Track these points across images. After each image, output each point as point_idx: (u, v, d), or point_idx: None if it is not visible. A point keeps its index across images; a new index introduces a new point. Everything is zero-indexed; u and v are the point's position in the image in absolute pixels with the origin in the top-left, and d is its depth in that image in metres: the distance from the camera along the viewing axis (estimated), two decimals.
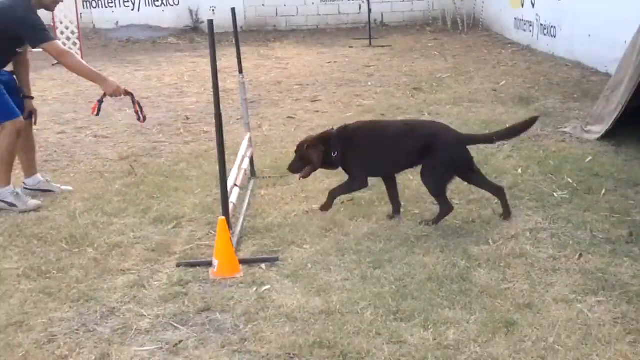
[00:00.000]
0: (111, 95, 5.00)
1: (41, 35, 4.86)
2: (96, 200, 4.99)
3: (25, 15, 4.83)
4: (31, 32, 4.84)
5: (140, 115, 4.96)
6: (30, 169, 5.33)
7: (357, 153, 4.47)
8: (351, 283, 3.60)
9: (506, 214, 4.40)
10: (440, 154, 4.32)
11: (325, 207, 4.54)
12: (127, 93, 4.97)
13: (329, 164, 4.59)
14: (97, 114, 4.96)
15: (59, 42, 5.05)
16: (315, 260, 3.89)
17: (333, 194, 4.55)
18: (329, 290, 3.53)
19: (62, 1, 5.41)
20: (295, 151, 4.65)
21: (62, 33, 12.40)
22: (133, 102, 4.95)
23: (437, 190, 4.37)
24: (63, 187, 5.30)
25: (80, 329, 3.20)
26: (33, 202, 4.96)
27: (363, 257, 3.91)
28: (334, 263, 3.85)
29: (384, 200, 4.78)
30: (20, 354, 2.97)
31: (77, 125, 7.58)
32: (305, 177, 4.64)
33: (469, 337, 3.04)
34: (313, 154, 4.48)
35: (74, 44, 12.47)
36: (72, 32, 12.45)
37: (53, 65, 12.08)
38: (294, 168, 4.63)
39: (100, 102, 4.97)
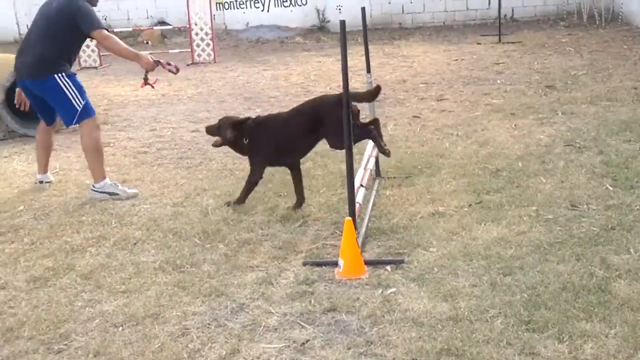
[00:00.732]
0: (149, 70, 5.52)
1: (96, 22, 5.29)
2: (227, 197, 5.14)
3: (82, 4, 5.26)
4: (88, 20, 5.23)
5: (173, 69, 5.56)
6: (45, 167, 5.80)
7: (257, 145, 4.88)
8: (480, 289, 3.50)
9: (382, 151, 4.59)
10: (329, 120, 4.48)
11: (239, 201, 4.93)
12: (156, 63, 5.48)
13: (240, 149, 5.01)
14: (146, 85, 5.77)
15: (105, 30, 5.39)
16: (442, 264, 3.81)
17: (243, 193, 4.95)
18: (456, 295, 3.44)
19: None
20: (219, 120, 5.18)
21: (196, 34, 12.95)
22: (162, 65, 5.50)
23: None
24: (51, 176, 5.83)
25: (211, 324, 3.31)
26: (132, 191, 5.39)
27: (492, 262, 3.79)
28: (462, 268, 3.75)
29: (514, 203, 4.61)
30: (156, 346, 3.11)
31: (210, 123, 7.84)
32: (214, 145, 5.15)
33: (608, 352, 2.87)
34: (224, 132, 4.97)
35: (207, 44, 12.99)
36: (206, 34, 12.96)
37: (188, 65, 12.67)
38: (209, 130, 5.24)
39: (145, 78, 5.67)
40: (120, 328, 3.30)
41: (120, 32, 15.96)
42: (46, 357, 3.08)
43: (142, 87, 5.79)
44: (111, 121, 8.24)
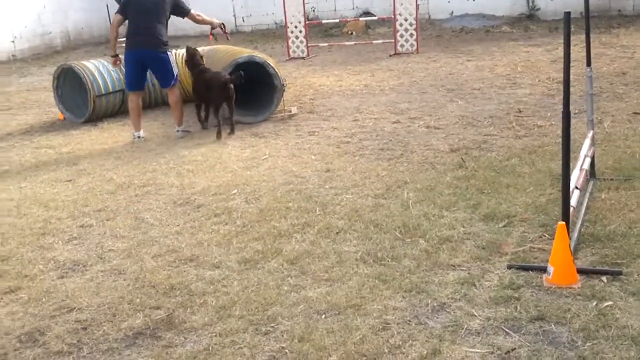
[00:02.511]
0: (214, 28, 8.16)
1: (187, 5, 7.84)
2: (428, 192, 5.08)
3: None
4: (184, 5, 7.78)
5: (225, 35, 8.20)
6: (139, 125, 7.82)
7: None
8: None
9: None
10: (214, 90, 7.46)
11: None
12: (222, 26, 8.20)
13: None
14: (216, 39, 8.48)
15: (193, 11, 7.93)
16: None
17: None
18: None
19: None
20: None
21: (400, 25, 12.97)
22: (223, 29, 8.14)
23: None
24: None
25: (412, 320, 3.27)
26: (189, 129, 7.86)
27: None
28: None
29: None
30: (358, 337, 3.14)
31: (411, 115, 7.83)
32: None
33: None
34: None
35: (411, 35, 12.96)
36: (410, 24, 12.94)
37: (390, 55, 12.74)
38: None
39: (213, 34, 8.36)
40: (323, 316, 3.37)
41: (327, 22, 16.51)
42: (254, 337, 3.24)
43: (210, 39, 8.47)
44: (316, 110, 8.51)
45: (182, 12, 7.71)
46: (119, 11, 7.48)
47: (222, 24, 8.15)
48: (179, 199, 5.41)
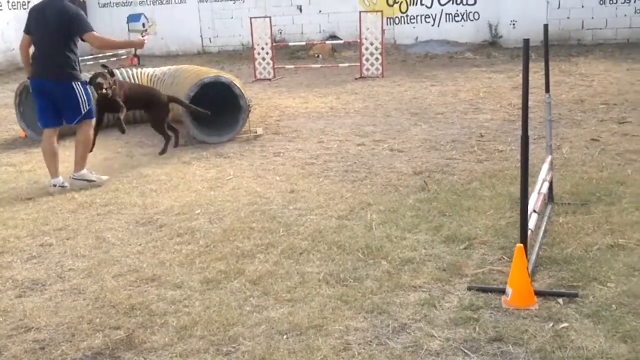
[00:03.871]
0: (140, 48, 6.99)
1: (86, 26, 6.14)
2: (391, 214, 5.13)
3: (77, 9, 6.14)
4: (84, 23, 6.14)
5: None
6: (57, 171, 6.40)
7: None
8: None
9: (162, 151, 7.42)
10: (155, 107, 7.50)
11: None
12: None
13: None
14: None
15: (95, 32, 6.19)
16: (621, 302, 3.52)
17: None
18: (636, 337, 3.17)
19: None
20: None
21: (366, 49, 13.14)
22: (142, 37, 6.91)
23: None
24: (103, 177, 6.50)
25: (373, 341, 3.29)
26: (105, 177, 6.43)
27: None
28: None
29: None
30: (319, 358, 3.14)
31: (376, 138, 7.92)
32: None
33: None
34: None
35: (377, 59, 13.13)
36: (376, 48, 13.11)
37: (356, 79, 12.89)
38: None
39: (137, 56, 7.48)
40: (285, 336, 3.37)
41: (294, 45, 16.64)
42: (215, 357, 3.22)
43: (134, 62, 7.34)
44: (282, 131, 8.55)
45: (80, 32, 6.10)
46: (25, 29, 6.25)
47: (142, 38, 6.82)
48: (142, 218, 5.37)
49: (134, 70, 9.70)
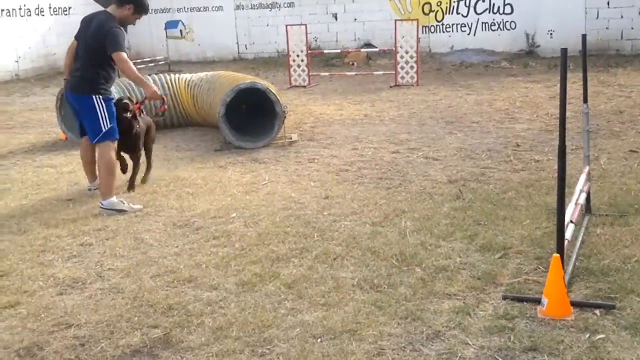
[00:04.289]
0: (150, 99, 6.26)
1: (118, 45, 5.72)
2: (425, 221, 5.13)
3: (117, 27, 5.78)
4: (113, 41, 5.69)
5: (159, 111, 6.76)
6: (94, 176, 6.32)
7: None
8: None
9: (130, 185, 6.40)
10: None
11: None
12: (161, 97, 6.29)
13: None
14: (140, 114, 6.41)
15: (124, 53, 5.75)
16: None
17: None
18: None
19: (139, 18, 6.13)
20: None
21: (401, 57, 13.14)
22: (163, 102, 6.55)
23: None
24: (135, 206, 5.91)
25: (407, 347, 3.30)
26: (137, 207, 5.82)
27: None
28: None
29: None
30: None
31: (410, 145, 7.92)
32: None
33: None
34: None
35: (412, 67, 13.12)
36: (411, 57, 13.10)
37: (391, 87, 12.89)
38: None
39: (142, 103, 6.47)
40: (319, 340, 3.40)
41: (329, 52, 16.73)
42: (250, 358, 3.26)
43: (137, 109, 6.29)
44: (316, 138, 8.60)
45: (107, 48, 5.72)
46: (76, 35, 6.08)
47: (163, 97, 6.39)
48: (179, 220, 5.46)
49: (171, 76, 9.85)
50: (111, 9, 5.94)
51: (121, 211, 5.72)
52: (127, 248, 4.88)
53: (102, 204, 5.78)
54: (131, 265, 4.53)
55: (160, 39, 19.48)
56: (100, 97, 5.78)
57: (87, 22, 5.98)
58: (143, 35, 20.32)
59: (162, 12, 20.50)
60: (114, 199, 5.79)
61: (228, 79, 8.83)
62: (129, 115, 6.08)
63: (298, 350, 3.31)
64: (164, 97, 6.33)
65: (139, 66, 13.89)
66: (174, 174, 7.02)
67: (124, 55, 5.73)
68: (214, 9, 19.94)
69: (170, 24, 19.62)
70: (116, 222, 5.48)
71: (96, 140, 5.85)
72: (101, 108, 5.77)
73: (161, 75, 9.86)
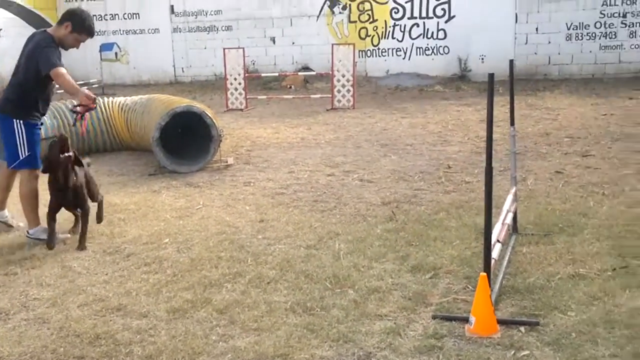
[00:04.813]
0: (84, 105, 5.45)
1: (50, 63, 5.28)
2: (359, 243, 5.18)
3: (51, 45, 5.36)
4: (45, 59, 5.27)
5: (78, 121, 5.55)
6: (3, 204, 5.92)
7: None
8: None
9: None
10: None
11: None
12: (94, 103, 5.48)
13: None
14: (74, 125, 6.14)
15: (61, 68, 5.30)
16: (581, 330, 3.60)
17: None
18: None
19: (84, 42, 5.69)
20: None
21: (338, 80, 13.30)
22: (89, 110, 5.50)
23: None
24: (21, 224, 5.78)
25: None
26: (64, 236, 5.57)
27: (636, 332, 3.54)
28: (602, 336, 3.53)
29: None
30: None
31: (346, 168, 8.00)
32: None
33: None
34: None
35: (348, 90, 13.30)
36: (348, 80, 13.28)
37: (327, 110, 13.01)
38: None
39: (74, 111, 5.61)
40: None
41: (267, 76, 16.79)
42: None
43: (79, 123, 5.69)
44: (253, 161, 8.60)
45: (41, 68, 5.33)
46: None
47: (95, 99, 5.58)
48: (109, 247, 5.35)
49: (105, 99, 9.70)
50: (52, 28, 5.57)
51: (40, 240, 5.45)
52: (54, 277, 4.75)
53: (28, 233, 5.57)
54: (57, 294, 4.41)
55: (95, 62, 19.16)
56: (21, 122, 5.43)
57: (27, 40, 5.61)
58: (77, 58, 19.87)
59: (97, 34, 20.13)
60: (40, 227, 5.55)
61: (163, 103, 8.75)
62: (69, 155, 5.18)
63: None
64: (97, 101, 5.73)
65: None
66: (105, 199, 6.88)
67: (61, 69, 5.28)
68: (150, 31, 19.78)
69: (105, 47, 19.34)
70: (43, 251, 5.33)
71: (13, 166, 5.55)
72: (20, 134, 5.41)
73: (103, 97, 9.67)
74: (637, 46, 15.77)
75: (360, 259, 4.83)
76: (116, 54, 20.15)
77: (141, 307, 4.14)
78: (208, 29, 19.28)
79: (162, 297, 4.29)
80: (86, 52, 19.52)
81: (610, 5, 15.88)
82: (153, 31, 19.76)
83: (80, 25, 5.54)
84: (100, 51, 18.99)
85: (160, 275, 4.69)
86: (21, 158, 5.46)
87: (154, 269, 4.81)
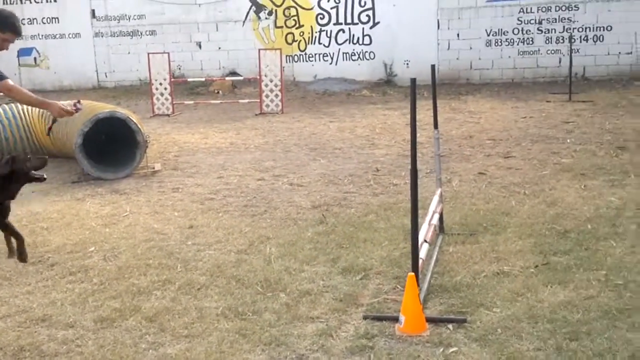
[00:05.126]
0: (59, 116, 5.19)
1: None
2: (290, 247, 5.20)
3: None
4: None
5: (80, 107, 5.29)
6: None
7: None
8: (544, 354, 3.40)
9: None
10: None
11: None
12: (68, 112, 5.13)
13: None
14: (48, 134, 6.07)
15: (9, 80, 5.05)
16: (506, 326, 3.73)
17: None
18: (520, 358, 3.36)
19: (12, 42, 5.25)
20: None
21: (266, 85, 13.29)
22: (73, 109, 5.11)
23: None
24: None
25: None
26: None
27: (558, 326, 3.69)
28: (526, 330, 3.67)
29: (582, 266, 4.50)
30: None
31: (275, 173, 8.01)
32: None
33: None
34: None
35: (276, 95, 13.30)
36: (275, 85, 13.29)
37: (256, 115, 12.98)
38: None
39: (54, 121, 5.46)
40: None
41: (193, 81, 16.60)
42: None
43: (48, 131, 5.88)
44: (181, 167, 8.48)
45: None
46: None
47: (75, 103, 5.19)
48: (31, 257, 5.15)
49: (21, 106, 9.34)
50: None
51: None
52: None
53: None
54: None
55: (12, 67, 18.46)
56: None
57: None
58: None
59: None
60: None
61: (86, 109, 8.49)
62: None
63: None
64: (73, 110, 5.21)
65: None
66: (26, 208, 6.64)
67: (10, 82, 5.01)
68: (70, 36, 19.21)
69: (23, 52, 18.68)
70: None
71: None
72: None
73: (12, 105, 9.33)
74: (553, 51, 16.42)
75: (292, 263, 4.84)
76: (35, 59, 19.47)
77: (67, 317, 4.02)
78: (131, 34, 18.89)
79: (89, 306, 4.18)
80: (1, 57, 18.82)
81: (526, 12, 16.48)
82: (74, 35, 19.20)
83: (3, 24, 5.12)
84: (18, 56, 18.34)
85: (86, 284, 4.56)
86: None
87: (79, 278, 4.68)
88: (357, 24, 17.57)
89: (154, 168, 8.30)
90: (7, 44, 5.19)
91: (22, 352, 3.60)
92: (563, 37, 16.14)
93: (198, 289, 4.42)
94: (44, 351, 3.60)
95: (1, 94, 5.21)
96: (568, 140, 9.05)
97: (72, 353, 3.56)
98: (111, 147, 8.44)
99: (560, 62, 16.14)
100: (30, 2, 19.22)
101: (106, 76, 19.26)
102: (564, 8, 16.15)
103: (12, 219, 5.95)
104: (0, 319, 4.03)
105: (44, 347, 3.64)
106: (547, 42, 16.45)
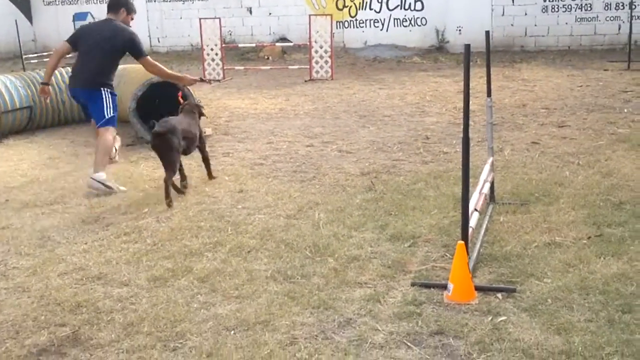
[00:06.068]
0: (189, 85, 7.13)
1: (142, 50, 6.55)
2: (338, 213, 5.22)
3: (134, 33, 6.48)
4: (139, 47, 6.48)
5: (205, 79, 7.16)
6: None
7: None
8: (596, 325, 3.36)
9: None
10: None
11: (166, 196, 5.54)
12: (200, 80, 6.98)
13: None
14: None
15: (149, 57, 6.56)
16: (556, 297, 3.68)
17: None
18: (570, 329, 3.32)
19: (133, 19, 6.72)
20: None
21: (316, 51, 13.24)
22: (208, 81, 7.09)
23: None
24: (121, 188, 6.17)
25: (319, 335, 3.36)
26: (122, 188, 6.11)
27: (610, 298, 3.62)
28: (577, 302, 3.62)
29: (638, 238, 4.40)
30: (265, 352, 3.20)
31: (324, 139, 8.01)
32: None
33: None
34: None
35: (326, 62, 13.24)
36: (325, 51, 13.22)
37: (306, 81, 12.96)
38: None
39: (181, 90, 7.09)
40: (232, 332, 3.41)
41: (244, 47, 16.64)
42: (162, 353, 3.24)
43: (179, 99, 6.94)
44: (231, 132, 8.56)
45: (135, 55, 6.46)
46: (69, 40, 6.49)
47: (201, 78, 7.11)
48: (88, 217, 5.32)
49: None
50: (111, 16, 6.50)
51: (107, 187, 6.00)
52: (33, 246, 4.73)
53: (92, 176, 6.06)
54: (37, 263, 4.39)
55: (68, 32, 18.78)
56: (108, 90, 6.40)
57: (93, 29, 6.62)
58: (50, 27, 19.61)
59: (70, 3, 19.83)
60: (104, 174, 6.08)
61: (139, 73, 8.61)
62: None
63: (211, 343, 3.31)
64: (201, 79, 7.08)
65: (45, 59, 13.37)
66: (82, 170, 6.82)
67: (149, 57, 6.52)
68: None
69: (79, 16, 18.99)
70: (21, 220, 5.29)
71: (99, 125, 6.37)
72: (108, 100, 6.37)
73: (69, 68, 9.51)
74: (611, 18, 15.88)
75: (340, 228, 4.86)
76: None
77: (122, 275, 4.15)
78: None
79: (143, 265, 4.30)
80: (59, 22, 19.21)
81: None
82: None
83: (131, 8, 6.65)
84: (74, 20, 18.66)
85: (140, 244, 4.68)
86: (106, 117, 6.35)
87: (133, 239, 4.80)
88: None
89: (205, 133, 8.38)
90: (131, 21, 6.61)
91: (79, 307, 3.73)
92: (623, 3, 15.58)
93: (248, 251, 4.49)
94: (99, 308, 3.72)
95: (69, 55, 6.84)
96: (625, 110, 8.78)
97: (127, 310, 3.68)
98: (164, 111, 8.54)
99: (619, 29, 15.60)
100: None
101: (159, 41, 19.46)
102: None
103: (69, 179, 6.12)
104: (58, 276, 4.18)
105: (100, 304, 3.76)
106: (606, 8, 15.90)
